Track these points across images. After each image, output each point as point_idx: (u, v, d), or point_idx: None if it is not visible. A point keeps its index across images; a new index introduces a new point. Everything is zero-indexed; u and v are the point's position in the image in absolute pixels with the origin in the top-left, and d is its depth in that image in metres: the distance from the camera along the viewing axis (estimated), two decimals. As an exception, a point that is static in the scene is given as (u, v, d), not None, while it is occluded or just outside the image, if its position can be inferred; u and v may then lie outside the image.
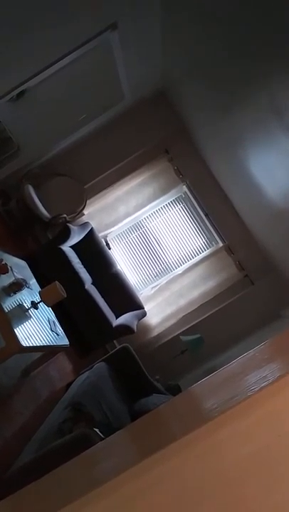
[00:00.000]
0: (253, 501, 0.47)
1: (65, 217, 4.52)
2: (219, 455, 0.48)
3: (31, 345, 2.26)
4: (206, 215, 4.80)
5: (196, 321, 4.69)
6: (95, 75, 4.32)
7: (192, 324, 4.68)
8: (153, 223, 4.95)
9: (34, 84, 4.20)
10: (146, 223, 4.94)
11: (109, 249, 4.74)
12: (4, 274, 2.52)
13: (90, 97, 4.44)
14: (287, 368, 0.51)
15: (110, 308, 4.27)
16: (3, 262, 2.53)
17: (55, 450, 1.70)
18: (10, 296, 2.47)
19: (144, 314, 4.47)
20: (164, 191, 4.80)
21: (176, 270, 4.87)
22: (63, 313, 3.62)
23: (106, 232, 4.80)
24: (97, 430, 2.02)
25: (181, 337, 4.47)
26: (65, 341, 2.91)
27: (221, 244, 4.78)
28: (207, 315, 4.70)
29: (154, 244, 4.93)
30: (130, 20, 3.21)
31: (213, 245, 4.90)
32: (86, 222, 4.54)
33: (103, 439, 1.98)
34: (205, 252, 4.88)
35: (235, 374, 0.61)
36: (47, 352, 2.88)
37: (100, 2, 2.86)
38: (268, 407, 0.48)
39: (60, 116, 4.48)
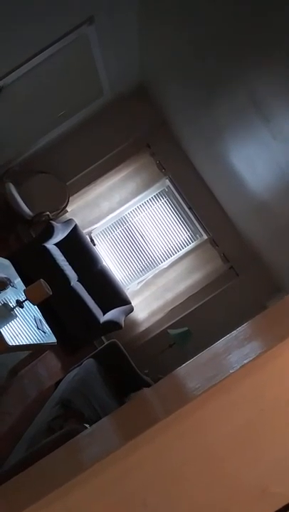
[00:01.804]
0: (237, 476, 0.47)
1: (48, 215, 4.48)
2: (202, 433, 0.48)
3: (18, 343, 2.24)
4: (190, 208, 4.82)
5: (184, 315, 4.72)
6: (72, 71, 4.27)
7: (179, 318, 4.71)
8: (137, 218, 4.94)
9: (11, 81, 4.13)
10: (130, 218, 4.93)
11: (94, 245, 4.72)
12: (-13, 273, 2.49)
13: (69, 92, 4.40)
14: (268, 344, 0.51)
15: (97, 304, 4.26)
16: (-15, 261, 2.49)
17: (45, 448, 1.69)
18: (-6, 295, 2.44)
19: (131, 309, 4.47)
20: (147, 186, 4.80)
21: (161, 264, 4.88)
22: (50, 312, 3.60)
23: (90, 228, 4.78)
24: (87, 426, 2.01)
25: (168, 331, 4.48)
26: (53, 339, 2.89)
27: (205, 236, 4.81)
28: (194, 308, 4.73)
29: (139, 239, 4.93)
30: (107, 13, 3.18)
31: (197, 238, 4.93)
32: (70, 219, 4.51)
33: (94, 433, 1.98)
34: (190, 246, 4.91)
35: (217, 354, 0.61)
36: (34, 350, 2.86)
37: (74, -5, 2.83)
38: (249, 382, 0.49)
39: (39, 113, 4.42)
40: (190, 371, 0.71)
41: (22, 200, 4.39)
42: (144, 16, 3.35)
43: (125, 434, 0.57)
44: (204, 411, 0.47)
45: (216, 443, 0.47)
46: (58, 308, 3.84)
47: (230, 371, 0.49)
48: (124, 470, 0.47)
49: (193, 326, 4.50)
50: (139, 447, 0.47)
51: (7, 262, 3.20)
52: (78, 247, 4.42)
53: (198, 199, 4.82)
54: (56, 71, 4.22)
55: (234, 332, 0.68)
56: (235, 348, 0.58)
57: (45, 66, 4.12)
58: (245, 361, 0.50)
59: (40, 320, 2.93)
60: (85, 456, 0.66)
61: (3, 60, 2.97)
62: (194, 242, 4.91)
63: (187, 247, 4.91)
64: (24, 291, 2.68)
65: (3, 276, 2.66)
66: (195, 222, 4.86)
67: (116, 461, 0.46)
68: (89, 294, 4.25)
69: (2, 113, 4.45)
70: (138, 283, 4.82)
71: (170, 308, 4.72)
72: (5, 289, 2.53)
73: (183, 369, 0.77)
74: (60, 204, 4.64)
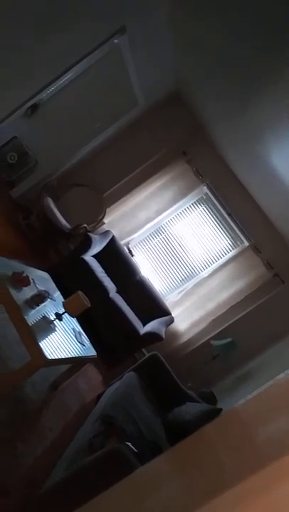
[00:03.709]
0: None
1: (85, 227, 4.50)
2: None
3: (57, 357, 2.20)
4: (229, 214, 4.66)
5: (227, 325, 4.54)
6: (106, 82, 4.30)
7: (222, 328, 4.53)
8: (175, 227, 4.85)
9: (47, 96, 4.23)
10: (168, 227, 4.84)
11: (132, 256, 4.67)
12: (26, 286, 2.48)
13: (103, 104, 4.43)
14: None
15: (137, 316, 4.18)
16: (24, 275, 2.49)
17: (86, 467, 1.61)
18: (33, 308, 2.42)
19: (172, 320, 4.36)
20: (184, 194, 4.71)
21: (202, 273, 4.74)
22: (89, 324, 3.56)
23: (128, 239, 4.74)
24: (129, 444, 1.92)
25: (211, 342, 4.32)
26: (93, 352, 2.83)
27: (246, 243, 4.62)
28: (237, 317, 4.54)
29: (178, 248, 4.82)
30: (139, 22, 3.16)
31: (238, 245, 4.75)
32: (107, 231, 4.49)
33: (136, 453, 1.88)
34: (231, 253, 4.74)
35: None
36: (75, 364, 2.82)
37: (106, 7, 2.83)
38: None
39: (75, 126, 4.48)
40: (259, 410, 0.59)
41: (60, 213, 4.44)
42: (176, 22, 3.31)
43: (192, 490, 0.46)
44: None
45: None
46: (97, 320, 3.80)
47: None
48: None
49: (238, 337, 4.32)
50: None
51: (46, 275, 3.21)
52: (116, 258, 4.38)
53: (238, 205, 4.66)
54: (90, 84, 4.26)
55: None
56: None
57: (79, 80, 4.18)
58: None
59: (79, 332, 2.89)
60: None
61: (38, 77, 3.02)
62: (235, 250, 4.74)
63: (228, 254, 4.74)
64: (63, 303, 2.66)
65: (42, 289, 2.65)
66: (235, 228, 4.69)
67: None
68: (128, 305, 4.19)
69: (39, 129, 4.56)
70: (178, 293, 4.71)
71: (212, 319, 4.55)
72: (43, 302, 2.51)
73: (248, 405, 0.65)
74: (97, 216, 4.65)
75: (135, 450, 1.85)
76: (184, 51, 3.67)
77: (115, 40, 3.23)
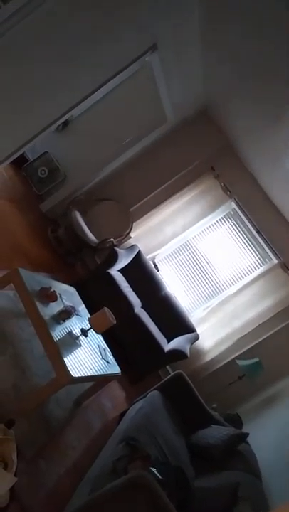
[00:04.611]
0: None
1: (112, 241, 4.51)
2: None
3: (82, 375, 2.18)
4: (258, 231, 4.57)
5: (253, 344, 4.41)
6: (136, 99, 4.36)
7: (249, 347, 4.41)
8: (202, 242, 4.79)
9: (78, 112, 4.32)
10: (194, 243, 4.79)
11: (158, 271, 4.64)
12: (53, 302, 2.49)
13: (133, 120, 4.48)
14: None
15: (161, 332, 4.13)
16: (51, 290, 2.50)
17: (109, 494, 1.57)
18: (59, 324, 2.42)
19: (197, 337, 4.28)
20: (211, 209, 4.66)
21: (228, 290, 4.65)
22: (113, 339, 3.54)
23: (154, 253, 4.71)
24: (154, 470, 1.87)
25: (237, 361, 4.20)
26: (117, 369, 2.80)
27: (275, 261, 4.50)
28: (265, 337, 4.41)
29: (204, 264, 4.76)
30: (170, 40, 3.19)
31: (267, 262, 4.64)
32: (133, 245, 4.49)
33: (160, 479, 1.82)
34: (259, 270, 4.63)
35: None
36: (99, 381, 2.79)
37: (138, 25, 2.86)
38: None
39: (104, 142, 4.55)
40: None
41: (87, 227, 4.47)
42: (207, 38, 3.31)
43: None
44: None
45: None
46: (121, 335, 3.77)
47: None
48: None
49: (264, 357, 4.18)
50: None
51: (72, 289, 3.22)
52: (142, 273, 4.36)
53: (267, 221, 4.57)
54: (120, 100, 4.33)
55: None
56: None
57: (110, 96, 4.25)
58: None
59: (104, 349, 2.87)
60: None
61: (70, 93, 3.07)
62: (263, 267, 4.63)
63: (256, 271, 4.64)
64: (88, 319, 2.65)
65: (69, 304, 2.65)
66: (263, 245, 4.59)
67: None
68: (153, 321, 4.15)
69: (69, 144, 4.66)
70: (204, 309, 4.63)
71: (238, 337, 4.44)
72: (70, 317, 2.51)
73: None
74: (123, 230, 4.66)
75: (159, 477, 1.79)
76: (214, 67, 3.67)
77: (146, 58, 3.26)
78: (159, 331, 4.08)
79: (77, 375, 2.11)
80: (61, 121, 3.25)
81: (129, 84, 4.12)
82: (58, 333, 2.31)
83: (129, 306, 3.90)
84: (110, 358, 2.88)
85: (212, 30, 3.14)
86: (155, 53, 3.23)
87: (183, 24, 3.12)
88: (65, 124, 4.52)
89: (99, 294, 3.80)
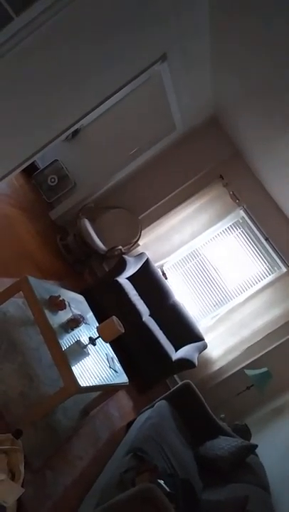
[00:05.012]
0: None
1: (120, 249, 4.52)
2: None
3: (90, 385, 2.17)
4: (266, 239, 4.54)
5: (262, 354, 4.37)
6: (145, 108, 4.39)
7: (257, 357, 4.37)
8: (210, 250, 4.78)
9: (88, 121, 4.36)
10: (203, 251, 4.78)
11: (166, 279, 4.63)
12: (62, 310, 2.49)
13: (142, 129, 4.51)
14: None
15: (169, 340, 4.11)
16: (60, 298, 2.51)
17: (116, 507, 1.55)
18: (68, 332, 2.42)
19: (205, 346, 4.25)
20: (220, 217, 4.65)
21: (237, 298, 4.62)
22: (121, 347, 3.52)
23: (162, 261, 4.71)
24: (161, 482, 1.85)
25: (245, 371, 4.16)
26: (124, 379, 2.79)
27: (284, 269, 4.47)
28: (273, 346, 4.37)
29: (213, 272, 4.74)
30: (179, 50, 3.21)
31: (275, 271, 4.61)
32: (141, 253, 4.49)
33: (168, 492, 1.80)
34: (267, 279, 4.60)
35: None
36: (106, 390, 2.78)
37: (149, 35, 2.89)
38: None
39: (113, 150, 4.58)
40: None
41: (96, 235, 4.49)
42: (216, 50, 3.33)
43: None
44: None
45: None
46: (129, 343, 3.76)
47: None
48: None
49: (273, 367, 4.14)
50: None
51: (81, 297, 3.22)
52: (150, 281, 4.36)
53: (276, 229, 4.54)
54: (129, 109, 4.36)
55: None
56: None
57: (119, 106, 4.29)
58: None
59: (112, 358, 2.86)
60: None
61: (81, 103, 3.10)
62: (272, 275, 4.59)
63: (264, 280, 4.60)
64: (97, 328, 2.64)
65: (77, 313, 2.65)
66: (272, 253, 4.56)
67: None
68: (161, 329, 4.13)
69: (79, 153, 4.70)
70: (212, 318, 4.60)
71: (247, 346, 4.40)
72: (78, 326, 2.51)
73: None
74: (132, 238, 4.67)
75: (167, 490, 1.78)
76: (224, 78, 3.68)
77: (156, 68, 3.29)
78: (166, 340, 4.07)
79: (85, 385, 2.10)
80: (71, 130, 3.28)
81: (138, 94, 4.16)
82: (66, 341, 2.31)
83: (137, 314, 3.90)
84: (118, 366, 2.87)
85: (222, 43, 3.15)
86: (165, 63, 3.26)
87: (193, 35, 3.14)
88: (75, 132, 4.57)
89: (107, 302, 3.80)
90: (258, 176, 4.62)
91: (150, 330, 3.89)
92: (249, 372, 4.12)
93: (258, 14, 2.38)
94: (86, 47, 2.69)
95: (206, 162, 4.67)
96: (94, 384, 2.24)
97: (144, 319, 3.93)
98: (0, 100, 2.67)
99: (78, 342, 2.49)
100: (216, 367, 4.43)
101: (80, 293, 3.49)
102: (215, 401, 3.93)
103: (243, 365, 4.37)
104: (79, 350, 2.42)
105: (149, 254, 4.54)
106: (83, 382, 2.11)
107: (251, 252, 4.69)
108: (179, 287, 4.74)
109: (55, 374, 2.42)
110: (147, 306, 4.20)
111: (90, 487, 2.15)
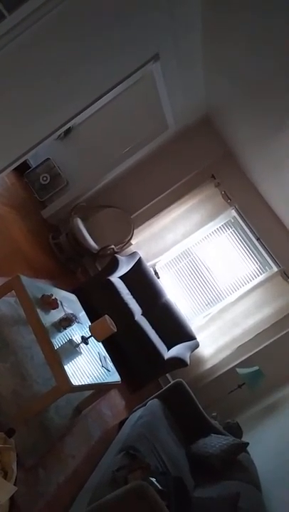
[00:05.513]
0: None
1: (112, 248, 4.52)
2: None
3: (82, 383, 2.18)
4: (258, 239, 4.58)
5: (253, 352, 4.41)
6: (137, 107, 4.39)
7: (249, 355, 4.40)
8: (202, 250, 4.80)
9: (80, 120, 4.35)
10: (195, 250, 4.81)
11: (158, 278, 4.64)
12: (54, 309, 2.49)
13: (134, 128, 4.52)
14: None
15: (161, 339, 4.13)
16: (53, 297, 2.51)
17: (109, 504, 1.56)
18: (60, 331, 2.42)
19: (197, 345, 4.27)
20: (212, 217, 4.68)
21: (228, 298, 4.65)
22: (113, 346, 3.53)
23: (154, 261, 4.72)
24: (153, 480, 1.86)
25: (237, 369, 4.19)
26: (117, 377, 2.80)
27: (275, 269, 4.51)
28: (265, 345, 4.40)
29: (205, 271, 4.77)
30: (172, 49, 3.22)
31: (267, 270, 4.65)
32: (134, 252, 4.50)
33: (160, 490, 1.82)
34: (259, 278, 4.64)
35: None
36: (99, 389, 2.78)
37: (142, 35, 2.90)
38: None
39: (106, 149, 4.58)
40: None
41: (88, 234, 4.49)
42: (208, 48, 3.35)
43: None
44: None
45: None
46: (121, 342, 3.77)
47: None
48: None
49: (265, 365, 4.17)
50: None
51: (73, 296, 3.22)
52: (142, 280, 4.37)
53: (267, 229, 4.58)
54: (121, 108, 4.37)
55: None
56: None
57: (112, 105, 4.28)
58: None
59: (104, 357, 2.87)
60: None
61: (73, 102, 3.09)
62: (263, 275, 4.63)
63: (256, 279, 4.64)
64: (89, 327, 2.65)
65: (70, 312, 2.66)
66: (264, 253, 4.60)
67: None
68: (153, 328, 4.15)
69: (71, 151, 4.69)
70: (204, 317, 4.63)
71: (238, 345, 4.44)
72: (71, 325, 2.51)
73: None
74: (124, 237, 4.67)
75: (159, 487, 1.79)
76: (215, 76, 3.70)
77: (148, 67, 3.29)
78: (159, 339, 4.08)
79: (77, 384, 2.11)
80: (63, 129, 3.28)
81: (131, 93, 4.16)
82: (59, 340, 2.31)
83: (130, 313, 3.91)
84: (110, 365, 2.88)
85: (214, 43, 3.17)
86: (157, 63, 3.27)
87: (185, 35, 3.16)
88: (67, 131, 4.56)
89: (99, 301, 3.80)
90: (249, 176, 4.65)
91: (142, 329, 3.90)
92: (240, 370, 4.15)
93: (249, 15, 2.40)
94: (78, 46, 2.69)
95: (198, 162, 4.69)
96: (86, 383, 2.25)
97: (136, 318, 3.94)
98: (-8, 98, 2.66)
99: (71, 341, 2.49)
100: (208, 365, 4.46)
101: (73, 292, 3.49)
102: (207, 399, 3.95)
103: (235, 363, 4.40)
104: (71, 349, 2.42)
105: (142, 254, 4.55)
106: (76, 381, 2.12)
107: (243, 252, 4.73)
108: (171, 286, 4.76)
109: (47, 373, 2.42)
110: (139, 305, 4.21)
111: (83, 485, 2.16)
